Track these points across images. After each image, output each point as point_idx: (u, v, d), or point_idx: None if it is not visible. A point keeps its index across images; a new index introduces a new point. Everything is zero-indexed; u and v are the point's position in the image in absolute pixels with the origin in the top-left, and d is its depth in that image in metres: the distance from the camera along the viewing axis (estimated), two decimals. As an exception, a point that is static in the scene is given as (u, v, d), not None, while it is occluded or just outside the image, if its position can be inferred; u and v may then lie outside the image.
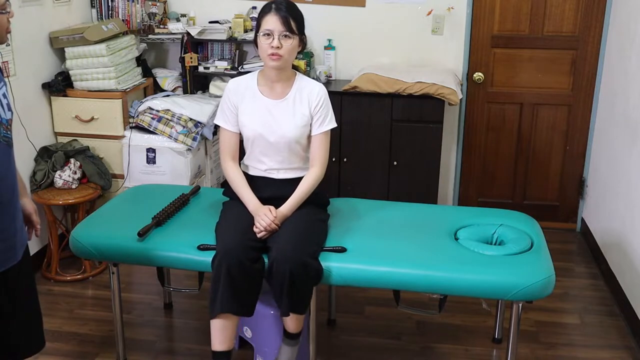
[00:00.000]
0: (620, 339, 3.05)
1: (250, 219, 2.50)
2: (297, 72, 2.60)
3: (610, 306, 3.32)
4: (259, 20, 2.47)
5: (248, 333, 2.78)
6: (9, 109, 1.90)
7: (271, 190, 2.59)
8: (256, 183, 2.61)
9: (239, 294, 2.35)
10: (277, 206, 2.52)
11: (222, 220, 2.57)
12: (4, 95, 1.89)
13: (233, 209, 2.58)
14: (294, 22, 2.41)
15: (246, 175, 2.64)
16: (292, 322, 2.52)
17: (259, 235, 2.45)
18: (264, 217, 2.43)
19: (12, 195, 1.90)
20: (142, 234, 2.51)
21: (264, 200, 2.55)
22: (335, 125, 2.61)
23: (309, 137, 2.59)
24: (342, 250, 2.48)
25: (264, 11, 2.44)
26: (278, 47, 2.40)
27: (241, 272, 2.33)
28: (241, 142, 2.67)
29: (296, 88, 2.55)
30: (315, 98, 2.54)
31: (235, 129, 2.61)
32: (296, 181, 2.59)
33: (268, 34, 2.41)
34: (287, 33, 2.40)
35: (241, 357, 2.85)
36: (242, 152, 2.69)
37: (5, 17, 1.91)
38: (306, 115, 2.54)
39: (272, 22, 2.40)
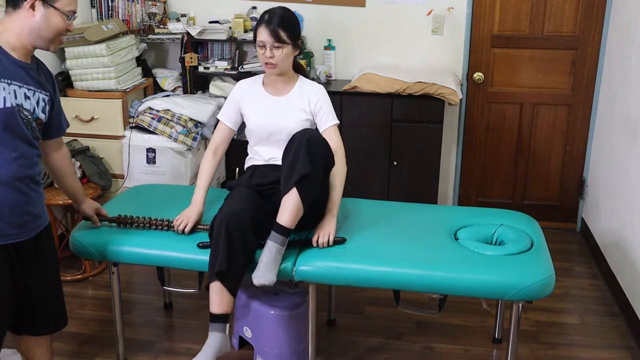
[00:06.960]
0: (620, 339, 3.05)
1: (257, 200, 2.54)
2: (300, 75, 2.74)
3: (610, 306, 3.32)
4: (254, 30, 2.65)
5: (248, 333, 2.78)
6: (43, 112, 2.11)
7: (276, 175, 2.60)
8: (262, 170, 2.71)
9: (233, 255, 2.37)
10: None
11: (228, 197, 2.62)
12: (43, 100, 2.10)
13: (240, 190, 2.61)
14: (284, 33, 2.55)
15: (251, 165, 2.75)
16: (287, 211, 2.39)
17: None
18: (182, 219, 2.58)
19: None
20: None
21: (270, 185, 2.59)
22: (338, 122, 2.73)
23: None
24: (342, 241, 2.50)
25: (258, 22, 2.61)
26: (271, 57, 2.57)
27: (239, 233, 2.36)
28: (233, 142, 2.76)
29: (298, 87, 2.72)
30: (315, 96, 2.70)
31: (231, 124, 2.76)
32: None
33: (261, 46, 2.58)
34: (277, 44, 2.55)
35: (241, 357, 2.85)
36: (230, 154, 2.74)
37: (65, 22, 2.05)
38: (306, 111, 2.68)
39: (263, 34, 2.56)
